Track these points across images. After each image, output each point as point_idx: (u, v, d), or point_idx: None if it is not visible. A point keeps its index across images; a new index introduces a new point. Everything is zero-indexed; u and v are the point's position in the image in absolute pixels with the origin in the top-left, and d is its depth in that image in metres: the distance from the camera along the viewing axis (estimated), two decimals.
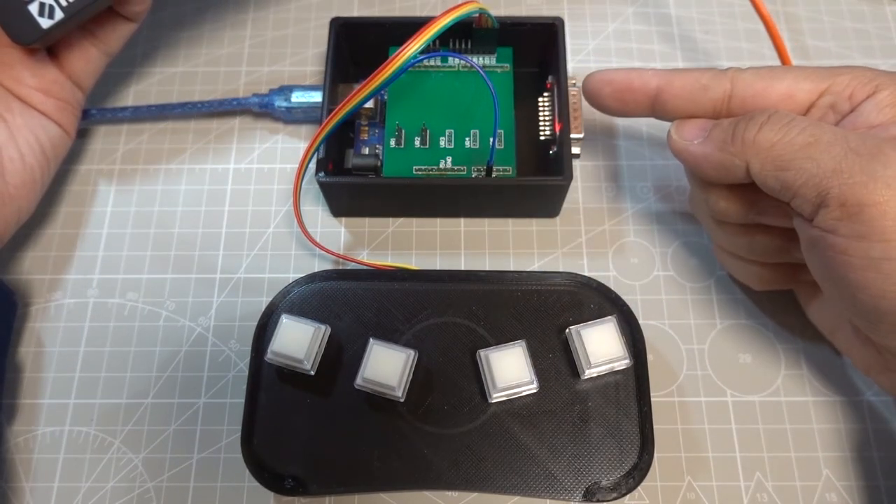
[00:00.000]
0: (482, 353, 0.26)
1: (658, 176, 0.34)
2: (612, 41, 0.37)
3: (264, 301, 0.30)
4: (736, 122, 0.24)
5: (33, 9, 0.27)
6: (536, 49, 0.33)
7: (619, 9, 0.38)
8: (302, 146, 0.35)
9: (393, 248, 0.32)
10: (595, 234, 0.33)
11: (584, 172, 0.34)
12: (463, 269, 0.32)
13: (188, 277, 0.32)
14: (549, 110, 0.33)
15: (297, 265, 0.32)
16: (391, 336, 0.27)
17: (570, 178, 0.29)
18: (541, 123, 0.33)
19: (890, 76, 0.24)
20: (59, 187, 0.34)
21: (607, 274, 0.32)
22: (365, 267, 0.30)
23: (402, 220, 0.33)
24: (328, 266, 0.32)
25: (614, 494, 0.25)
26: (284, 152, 0.35)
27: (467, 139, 0.32)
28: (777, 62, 0.33)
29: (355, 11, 0.38)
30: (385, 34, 0.32)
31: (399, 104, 0.33)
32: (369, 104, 0.32)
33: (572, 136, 0.30)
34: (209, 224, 0.33)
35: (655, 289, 0.31)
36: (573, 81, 0.31)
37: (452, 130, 0.32)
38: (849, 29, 0.37)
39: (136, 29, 0.31)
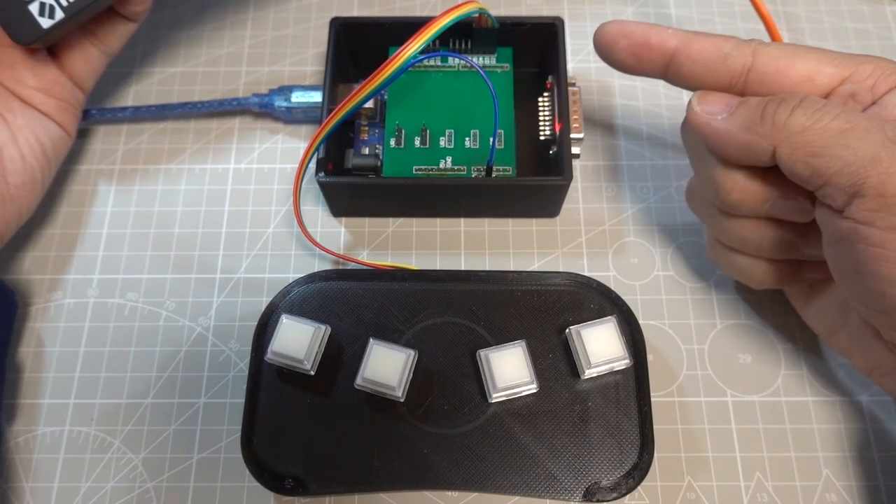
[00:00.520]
0: (482, 353, 0.26)
1: (658, 176, 0.34)
2: None
3: (264, 301, 0.30)
4: (766, 101, 0.23)
5: (34, 9, 0.27)
6: (536, 49, 0.33)
7: (619, 9, 0.38)
8: (302, 146, 0.35)
9: (393, 248, 0.32)
10: (595, 234, 0.33)
11: (584, 172, 0.34)
12: (463, 269, 0.32)
13: (188, 277, 0.32)
14: (548, 110, 0.33)
15: (297, 265, 0.32)
16: (391, 336, 0.27)
17: (569, 178, 0.29)
18: (541, 123, 0.33)
19: None
20: (59, 187, 0.34)
21: (607, 274, 0.32)
22: (365, 267, 0.30)
23: (402, 220, 0.33)
24: (328, 266, 0.32)
25: (614, 494, 0.25)
26: (284, 152, 0.35)
27: (467, 139, 0.32)
28: None
29: (355, 11, 0.38)
30: (385, 34, 0.32)
31: (399, 104, 0.33)
32: (369, 104, 0.32)
33: (572, 136, 0.30)
34: (209, 224, 0.33)
35: (655, 289, 0.31)
36: (573, 81, 0.31)
37: (452, 130, 0.32)
38: (849, 29, 0.37)
39: (136, 29, 0.31)
